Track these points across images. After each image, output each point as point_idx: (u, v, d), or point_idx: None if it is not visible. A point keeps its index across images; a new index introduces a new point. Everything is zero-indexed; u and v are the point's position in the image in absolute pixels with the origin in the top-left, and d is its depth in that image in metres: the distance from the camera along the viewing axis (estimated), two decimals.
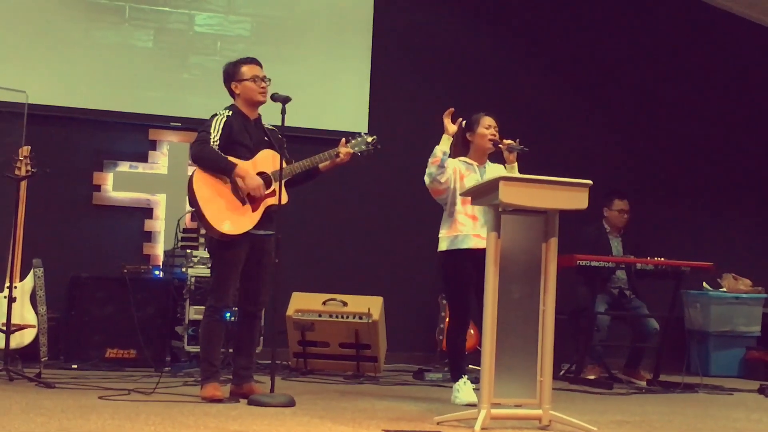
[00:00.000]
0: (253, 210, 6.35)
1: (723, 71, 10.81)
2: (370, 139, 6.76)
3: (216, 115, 6.43)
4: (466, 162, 6.80)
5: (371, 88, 9.76)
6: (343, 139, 6.72)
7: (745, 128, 10.87)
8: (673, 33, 10.74)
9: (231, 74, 6.55)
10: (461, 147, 6.82)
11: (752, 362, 9.84)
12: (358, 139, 6.76)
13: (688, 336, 9.37)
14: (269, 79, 6.54)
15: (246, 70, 6.51)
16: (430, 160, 6.58)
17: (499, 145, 6.73)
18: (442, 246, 6.72)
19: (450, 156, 6.63)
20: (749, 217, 10.81)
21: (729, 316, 9.95)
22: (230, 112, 6.46)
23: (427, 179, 6.61)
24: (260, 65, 6.57)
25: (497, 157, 6.86)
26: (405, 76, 10.00)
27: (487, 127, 6.81)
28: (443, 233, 6.73)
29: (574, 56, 10.49)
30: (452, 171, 6.65)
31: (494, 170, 6.78)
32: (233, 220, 6.29)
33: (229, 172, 6.30)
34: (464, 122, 6.77)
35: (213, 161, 6.31)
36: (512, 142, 6.68)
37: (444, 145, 6.59)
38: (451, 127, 6.61)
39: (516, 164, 6.69)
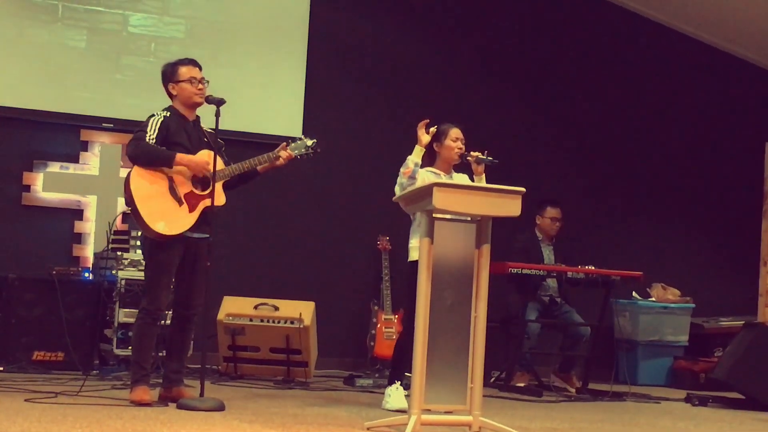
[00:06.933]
0: (190, 211, 6.28)
1: (656, 83, 10.91)
2: (309, 143, 6.71)
3: (153, 115, 6.38)
4: (434, 172, 6.78)
5: (306, 92, 9.71)
6: (284, 144, 6.68)
7: (677, 140, 10.97)
8: (608, 43, 10.83)
9: (168, 75, 6.50)
10: (427, 156, 6.74)
11: (679, 371, 9.94)
12: (298, 142, 6.71)
13: (617, 345, 9.44)
14: (207, 81, 6.50)
15: (183, 72, 6.46)
16: (401, 170, 6.54)
17: (468, 158, 6.74)
18: (414, 256, 6.55)
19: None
20: (679, 228, 10.92)
21: (657, 325, 10.04)
22: (168, 113, 6.42)
23: (397, 189, 6.56)
24: (198, 67, 6.51)
25: (463, 167, 6.92)
26: (340, 81, 9.97)
27: (454, 139, 6.82)
28: (414, 243, 6.63)
29: (510, 63, 10.53)
30: (421, 181, 6.55)
31: (461, 180, 6.81)
32: (168, 220, 6.23)
33: (170, 161, 6.24)
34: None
35: (151, 155, 6.25)
36: (479, 153, 6.70)
37: (416, 156, 6.56)
38: (425, 138, 6.58)
39: (484, 176, 6.71)
